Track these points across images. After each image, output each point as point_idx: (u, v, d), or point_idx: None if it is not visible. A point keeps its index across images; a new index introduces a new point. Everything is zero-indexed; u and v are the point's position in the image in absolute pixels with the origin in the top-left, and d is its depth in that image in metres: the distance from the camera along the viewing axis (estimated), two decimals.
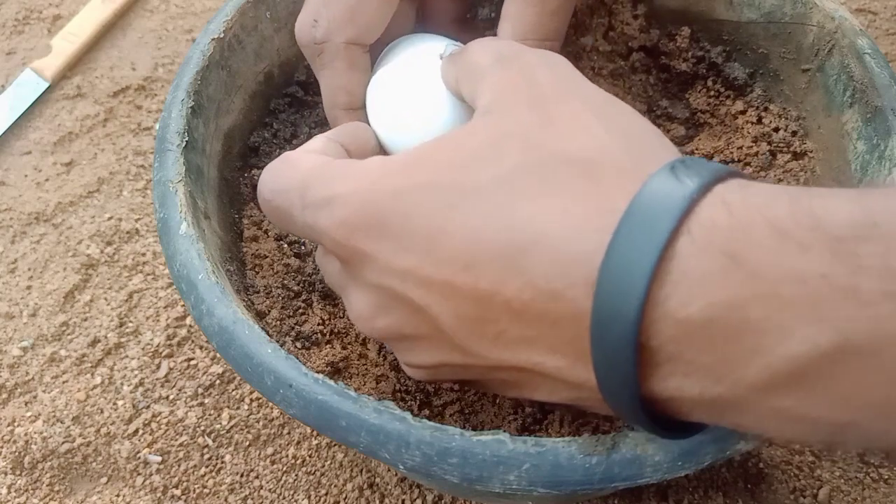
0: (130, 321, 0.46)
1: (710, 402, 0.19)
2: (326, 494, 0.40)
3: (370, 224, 0.22)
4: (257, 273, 0.34)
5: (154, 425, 0.42)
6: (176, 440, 0.42)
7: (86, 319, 0.46)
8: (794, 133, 0.37)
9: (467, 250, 0.21)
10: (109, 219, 0.51)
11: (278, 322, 0.31)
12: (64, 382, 0.44)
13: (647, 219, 0.19)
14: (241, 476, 0.41)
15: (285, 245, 0.36)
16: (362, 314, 0.24)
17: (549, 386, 0.22)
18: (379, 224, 0.22)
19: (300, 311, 0.33)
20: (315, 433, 0.42)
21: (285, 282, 0.34)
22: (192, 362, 0.45)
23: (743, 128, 0.37)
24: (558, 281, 0.20)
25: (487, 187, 0.21)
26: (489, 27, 0.43)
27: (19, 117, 0.56)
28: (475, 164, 0.22)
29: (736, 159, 0.36)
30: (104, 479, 0.41)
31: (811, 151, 0.36)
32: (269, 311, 0.32)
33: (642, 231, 0.18)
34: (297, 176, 0.25)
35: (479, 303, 0.21)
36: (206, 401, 0.43)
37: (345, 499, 0.40)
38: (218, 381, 0.44)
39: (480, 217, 0.21)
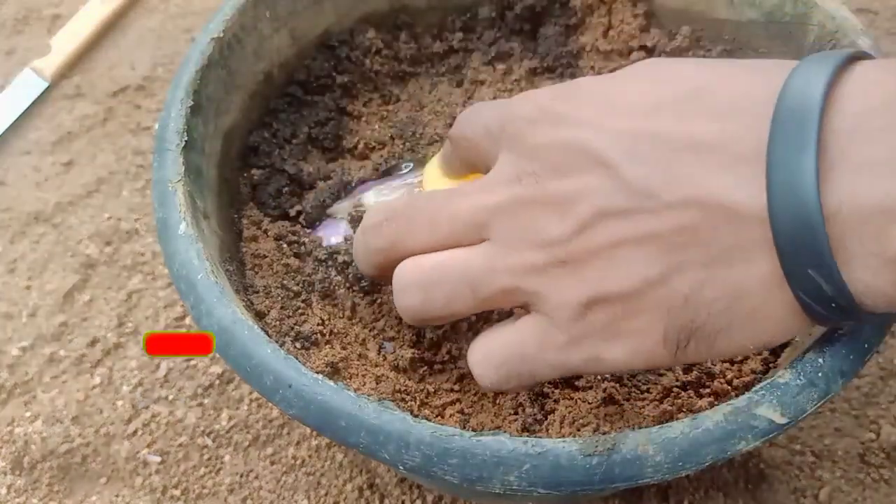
0: (130, 321, 0.46)
1: (883, 209, 0.19)
2: (326, 495, 0.40)
3: (558, 95, 0.25)
4: (257, 273, 0.34)
5: (153, 425, 0.42)
6: (175, 440, 0.42)
7: (85, 319, 0.46)
8: None
9: (643, 102, 0.23)
10: (109, 219, 0.51)
11: (278, 322, 0.31)
12: (63, 382, 0.44)
13: (815, 60, 0.21)
14: (241, 476, 0.41)
15: (285, 245, 0.36)
16: (534, 171, 0.24)
17: (711, 229, 0.21)
18: (566, 94, 0.25)
19: (300, 311, 0.33)
20: (315, 433, 0.42)
21: (285, 282, 0.34)
22: (192, 362, 0.44)
23: None
24: (738, 103, 0.21)
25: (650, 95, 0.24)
26: (488, 27, 0.43)
27: (19, 117, 0.56)
28: (629, 85, 0.25)
29: None
30: (103, 480, 0.41)
31: None
32: (269, 312, 0.32)
33: (815, 66, 0.21)
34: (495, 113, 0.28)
35: (655, 140, 0.22)
36: (206, 401, 0.43)
37: (344, 499, 0.40)
38: (217, 382, 0.44)
39: (650, 86, 0.24)
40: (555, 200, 0.23)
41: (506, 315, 0.33)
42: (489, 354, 0.26)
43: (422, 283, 0.26)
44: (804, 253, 0.20)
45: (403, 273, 0.26)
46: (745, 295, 0.22)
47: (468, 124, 0.28)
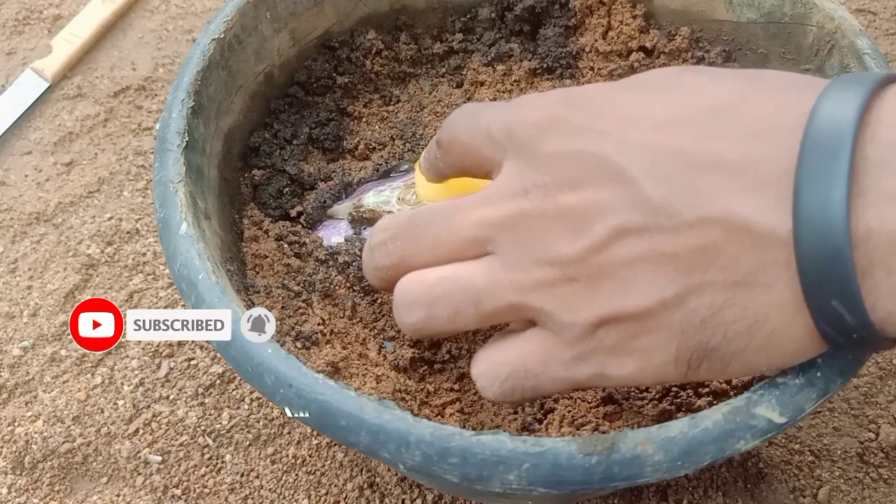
0: None
1: None
2: (326, 494, 0.40)
3: (571, 103, 0.24)
4: (257, 273, 0.34)
5: (154, 425, 0.43)
6: (176, 440, 0.42)
7: None
8: None
9: (665, 117, 0.22)
10: (110, 219, 0.51)
11: (278, 322, 0.31)
12: (64, 382, 0.44)
13: (847, 83, 0.20)
14: (242, 476, 0.41)
15: (285, 245, 0.36)
16: (544, 183, 0.23)
17: (733, 251, 0.21)
18: (579, 103, 0.24)
19: (300, 311, 0.33)
20: (315, 433, 0.42)
21: (285, 282, 0.34)
22: (193, 362, 0.45)
23: None
24: (765, 125, 0.21)
25: (675, 89, 0.23)
26: (488, 28, 0.44)
27: (20, 117, 0.56)
28: (643, 84, 0.24)
29: None
30: (104, 479, 0.41)
31: None
32: (270, 311, 0.32)
33: (847, 89, 0.20)
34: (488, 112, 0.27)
35: (678, 157, 0.21)
36: (207, 400, 0.43)
37: (345, 498, 0.40)
38: (218, 381, 0.44)
39: (671, 99, 0.23)
40: (566, 215, 0.22)
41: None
42: (493, 368, 0.25)
43: (425, 301, 0.25)
44: (828, 281, 0.19)
45: (405, 289, 0.25)
46: (764, 319, 0.21)
47: (464, 128, 0.27)
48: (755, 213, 0.20)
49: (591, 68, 0.42)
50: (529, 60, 0.43)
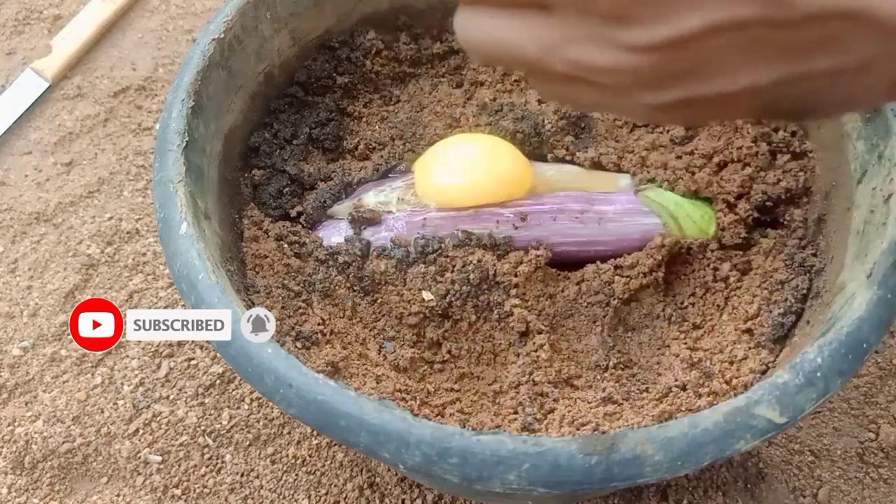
0: None
1: None
2: (326, 494, 0.40)
3: None
4: (257, 273, 0.34)
5: (154, 425, 0.43)
6: (176, 440, 0.42)
7: None
8: (793, 133, 0.37)
9: None
10: (110, 219, 0.51)
11: (278, 322, 0.31)
12: (64, 382, 0.44)
13: None
14: (242, 476, 0.41)
15: (285, 245, 0.36)
16: None
17: (853, 42, 0.18)
18: None
19: (300, 311, 0.33)
20: (315, 433, 0.42)
21: (285, 282, 0.34)
22: (193, 362, 0.45)
23: (742, 128, 0.37)
24: None
25: None
26: None
27: (20, 117, 0.56)
28: None
29: (736, 159, 0.36)
30: (104, 479, 0.41)
31: (811, 151, 0.36)
32: (270, 311, 0.32)
33: None
34: None
35: None
36: (207, 401, 0.43)
37: (345, 498, 0.40)
38: (218, 381, 0.44)
39: None
40: None
41: None
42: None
43: (481, 53, 0.21)
44: None
45: (464, 39, 0.22)
46: (868, 92, 0.19)
47: None
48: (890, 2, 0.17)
49: None
50: None
